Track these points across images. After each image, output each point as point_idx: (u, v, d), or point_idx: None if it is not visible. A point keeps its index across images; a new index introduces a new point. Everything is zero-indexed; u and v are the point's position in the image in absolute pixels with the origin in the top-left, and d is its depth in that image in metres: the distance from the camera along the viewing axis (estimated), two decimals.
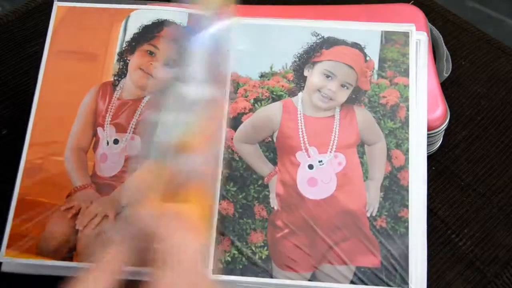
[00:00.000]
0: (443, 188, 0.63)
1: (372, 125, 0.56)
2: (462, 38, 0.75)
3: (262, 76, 0.59)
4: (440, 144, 0.65)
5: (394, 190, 0.54)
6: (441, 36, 0.71)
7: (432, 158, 0.64)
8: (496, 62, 0.72)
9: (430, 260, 0.56)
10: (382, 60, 0.58)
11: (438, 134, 0.62)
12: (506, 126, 0.67)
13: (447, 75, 0.69)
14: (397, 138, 0.56)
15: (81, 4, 0.61)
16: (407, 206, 0.54)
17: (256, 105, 0.58)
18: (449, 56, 0.70)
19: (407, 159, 0.55)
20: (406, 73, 0.58)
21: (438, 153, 0.65)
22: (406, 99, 0.57)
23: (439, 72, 0.67)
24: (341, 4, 0.72)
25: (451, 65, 0.70)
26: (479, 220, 0.61)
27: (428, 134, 0.57)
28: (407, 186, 0.54)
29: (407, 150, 0.55)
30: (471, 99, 0.69)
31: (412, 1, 0.74)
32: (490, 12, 1.52)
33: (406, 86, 0.57)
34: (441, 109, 0.61)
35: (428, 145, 0.58)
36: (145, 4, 0.61)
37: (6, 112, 0.68)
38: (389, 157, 0.56)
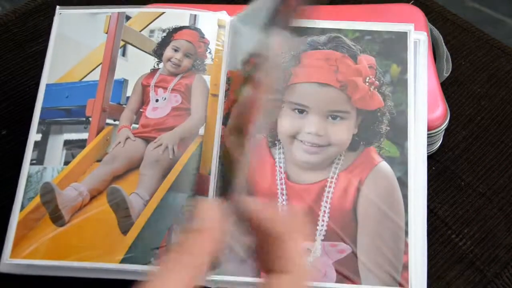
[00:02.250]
0: (443, 188, 0.63)
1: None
2: (462, 38, 0.75)
3: None
4: (440, 144, 0.65)
5: None
6: (441, 36, 0.71)
7: (432, 158, 0.64)
8: (496, 62, 0.72)
9: (430, 260, 0.56)
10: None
11: (438, 134, 0.62)
12: (506, 126, 0.67)
13: (447, 75, 0.69)
14: None
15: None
16: None
17: None
18: (449, 56, 0.70)
19: None
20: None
21: (438, 153, 0.65)
22: None
23: (439, 72, 0.67)
24: (341, 4, 0.72)
25: (451, 65, 0.70)
26: (479, 220, 0.60)
27: (428, 134, 0.57)
28: None
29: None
30: (471, 99, 0.69)
31: (412, 1, 0.74)
32: (490, 12, 1.52)
33: None
34: (441, 109, 0.61)
35: (428, 145, 0.58)
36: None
37: (6, 112, 0.68)
38: None
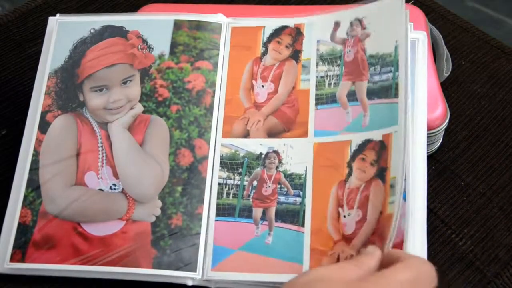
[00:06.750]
0: (443, 188, 0.63)
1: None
2: (462, 38, 0.75)
3: None
4: (440, 144, 0.65)
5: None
6: (441, 36, 0.71)
7: (432, 158, 0.64)
8: (496, 62, 0.72)
9: (430, 260, 0.56)
10: None
11: (438, 134, 0.62)
12: (506, 126, 0.67)
13: (447, 75, 0.69)
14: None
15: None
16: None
17: None
18: (449, 56, 0.70)
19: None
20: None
21: (438, 153, 0.65)
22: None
23: (439, 72, 0.67)
24: (340, 4, 0.72)
25: (451, 65, 0.70)
26: (479, 220, 0.60)
27: (428, 134, 0.57)
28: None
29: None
30: (471, 99, 0.69)
31: (412, 1, 0.74)
32: (490, 12, 1.52)
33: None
34: (441, 109, 0.61)
35: (428, 145, 0.58)
36: None
37: (6, 112, 0.68)
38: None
